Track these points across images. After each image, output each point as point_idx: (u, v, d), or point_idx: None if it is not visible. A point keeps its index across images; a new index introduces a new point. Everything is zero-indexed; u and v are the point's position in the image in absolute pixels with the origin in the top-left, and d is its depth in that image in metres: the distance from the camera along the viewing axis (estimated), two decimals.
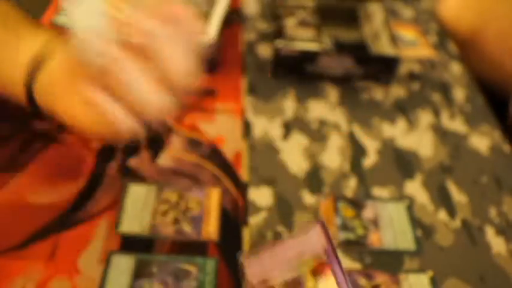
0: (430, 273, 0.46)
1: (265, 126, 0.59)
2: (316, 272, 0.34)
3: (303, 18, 0.72)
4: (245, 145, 0.56)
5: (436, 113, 0.63)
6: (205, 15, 0.68)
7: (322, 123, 0.60)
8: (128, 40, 0.33)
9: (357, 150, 0.57)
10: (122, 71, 0.34)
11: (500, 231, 0.50)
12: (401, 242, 0.48)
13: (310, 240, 0.35)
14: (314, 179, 0.53)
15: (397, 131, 0.60)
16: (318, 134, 0.58)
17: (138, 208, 0.48)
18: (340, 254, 0.46)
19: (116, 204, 0.48)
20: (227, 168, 0.53)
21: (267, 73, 0.66)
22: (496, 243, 0.49)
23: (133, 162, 0.52)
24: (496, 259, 0.48)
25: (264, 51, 0.70)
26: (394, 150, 0.58)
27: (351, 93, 0.65)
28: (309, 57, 0.64)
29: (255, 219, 0.48)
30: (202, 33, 0.35)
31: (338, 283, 0.34)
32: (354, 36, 0.67)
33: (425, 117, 0.62)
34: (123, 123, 0.35)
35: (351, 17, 0.71)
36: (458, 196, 0.53)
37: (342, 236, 0.48)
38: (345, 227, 0.49)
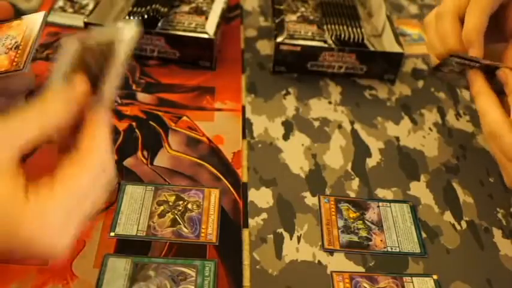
0: (435, 276, 0.45)
1: (266, 125, 0.57)
2: None
3: (304, 14, 0.71)
4: (245, 145, 0.55)
5: (442, 111, 0.62)
6: (205, 13, 0.67)
7: (324, 122, 0.59)
8: None
9: (360, 150, 0.56)
10: None
11: (508, 233, 0.49)
12: (405, 245, 0.47)
13: None
14: (316, 180, 0.52)
15: (401, 130, 0.59)
16: (319, 133, 0.57)
17: (135, 209, 0.47)
18: (342, 257, 0.45)
19: (112, 206, 0.47)
20: (226, 168, 0.52)
21: (267, 70, 0.65)
22: (504, 245, 0.48)
23: (129, 162, 0.51)
24: (503, 262, 0.47)
25: (264, 48, 0.69)
26: (399, 150, 0.56)
27: (353, 91, 0.63)
28: (310, 54, 0.63)
29: (255, 221, 0.47)
30: None
31: None
32: (356, 33, 0.65)
33: (430, 116, 0.61)
34: None
35: (353, 13, 0.70)
36: (464, 197, 0.52)
37: (345, 238, 0.47)
38: (347, 229, 0.47)
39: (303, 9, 0.71)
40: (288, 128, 0.57)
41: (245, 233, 0.46)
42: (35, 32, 0.45)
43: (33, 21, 0.47)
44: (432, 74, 0.52)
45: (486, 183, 0.54)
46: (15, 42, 0.45)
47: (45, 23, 0.46)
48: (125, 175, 0.49)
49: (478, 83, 0.45)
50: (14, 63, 0.44)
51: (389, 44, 0.66)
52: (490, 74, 0.45)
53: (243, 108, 0.59)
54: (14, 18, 0.49)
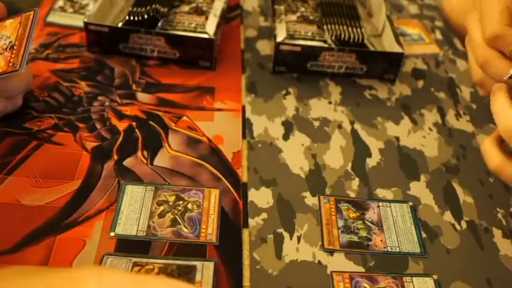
0: (435, 276, 0.45)
1: (266, 125, 0.57)
2: None
3: (304, 14, 0.70)
4: (245, 145, 0.55)
5: (442, 111, 0.62)
6: (205, 13, 0.67)
7: (324, 122, 0.59)
8: None
9: (360, 150, 0.56)
10: None
11: (508, 233, 0.49)
12: (405, 245, 0.47)
13: None
14: (316, 180, 0.52)
15: (401, 130, 0.59)
16: (319, 133, 0.57)
17: (135, 209, 0.47)
18: (342, 257, 0.45)
19: (112, 206, 0.47)
20: (226, 168, 0.51)
21: (267, 70, 0.65)
22: (504, 245, 0.48)
23: (129, 161, 0.51)
24: (503, 262, 0.46)
25: (264, 48, 0.69)
26: (399, 150, 0.56)
27: (353, 91, 0.63)
28: (310, 54, 0.63)
29: (255, 221, 0.47)
30: None
31: None
32: (356, 33, 0.65)
33: (430, 116, 0.61)
34: None
35: (353, 13, 0.70)
36: (464, 197, 0.52)
37: (345, 238, 0.47)
38: (347, 229, 0.47)
39: (303, 9, 0.71)
40: (288, 128, 0.57)
41: (245, 233, 0.46)
42: (28, 30, 0.45)
43: (26, 19, 0.46)
44: None
45: (486, 183, 0.54)
46: (10, 42, 0.45)
47: (38, 20, 0.45)
48: (125, 175, 0.49)
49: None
50: (11, 64, 0.44)
51: (389, 44, 0.66)
52: None
53: (243, 108, 0.59)
54: (7, 16, 0.48)
